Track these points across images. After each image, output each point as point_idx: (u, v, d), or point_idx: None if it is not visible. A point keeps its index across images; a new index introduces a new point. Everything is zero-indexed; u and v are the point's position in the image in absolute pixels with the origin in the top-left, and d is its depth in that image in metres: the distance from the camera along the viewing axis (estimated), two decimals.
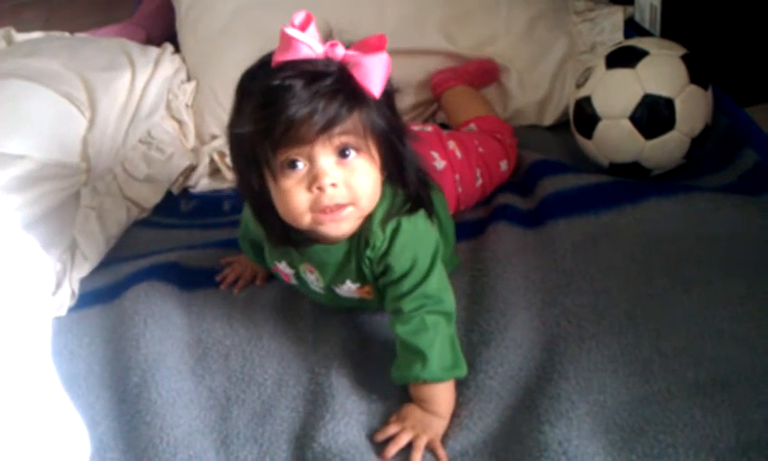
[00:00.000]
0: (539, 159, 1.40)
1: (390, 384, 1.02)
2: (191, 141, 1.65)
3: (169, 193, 1.57)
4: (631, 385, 0.96)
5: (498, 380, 1.01)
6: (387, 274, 0.99)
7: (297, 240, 1.00)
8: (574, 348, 1.02)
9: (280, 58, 0.88)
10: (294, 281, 1.10)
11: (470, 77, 1.62)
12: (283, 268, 1.08)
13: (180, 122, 1.65)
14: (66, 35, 1.84)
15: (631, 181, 1.31)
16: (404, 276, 0.98)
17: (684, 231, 1.17)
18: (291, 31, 0.87)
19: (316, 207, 0.91)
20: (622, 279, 1.11)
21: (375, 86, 0.89)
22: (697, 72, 1.32)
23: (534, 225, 1.25)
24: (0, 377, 1.05)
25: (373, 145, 0.92)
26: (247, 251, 1.21)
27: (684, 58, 1.32)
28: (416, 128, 1.31)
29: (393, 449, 0.95)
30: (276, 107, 0.86)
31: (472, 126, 1.45)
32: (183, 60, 1.76)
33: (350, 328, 1.12)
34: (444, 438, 0.97)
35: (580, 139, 1.41)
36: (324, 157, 0.89)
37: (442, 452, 0.95)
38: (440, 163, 1.24)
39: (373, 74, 0.88)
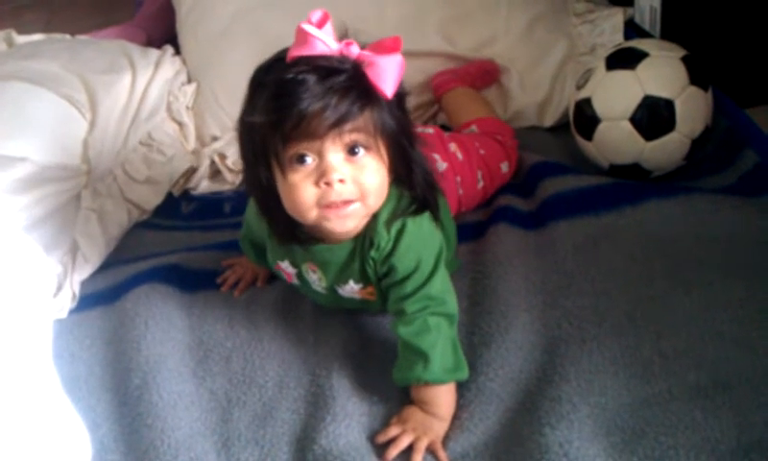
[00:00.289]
0: (539, 161, 1.40)
1: (391, 386, 1.02)
2: (192, 143, 1.65)
3: (170, 195, 1.57)
4: (632, 387, 0.96)
5: (499, 382, 1.01)
6: (390, 275, 0.99)
7: (301, 237, 1.00)
8: (575, 349, 1.02)
9: (295, 53, 0.89)
10: (296, 281, 1.10)
11: (471, 78, 1.62)
12: (286, 267, 1.08)
13: (180, 124, 1.65)
14: (67, 37, 1.84)
15: (631, 183, 1.31)
16: (408, 277, 0.98)
17: (684, 233, 1.17)
18: (307, 27, 0.88)
19: (322, 203, 0.91)
20: (623, 281, 1.11)
21: (388, 87, 0.89)
22: (697, 73, 1.32)
23: (535, 226, 1.26)
24: (1, 380, 1.05)
25: (383, 145, 0.92)
26: (248, 252, 1.21)
27: (684, 59, 1.33)
28: (417, 129, 1.31)
29: (393, 452, 0.95)
30: (289, 99, 0.86)
31: (473, 128, 1.45)
32: (184, 62, 1.77)
33: (351, 330, 1.13)
34: (445, 440, 0.97)
35: (580, 141, 1.41)
36: (334, 152, 0.89)
37: (443, 454, 0.95)
38: (441, 165, 1.25)
39: (387, 74, 0.88)
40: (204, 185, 1.60)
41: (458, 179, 1.28)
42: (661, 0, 1.59)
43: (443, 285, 1.00)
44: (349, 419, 0.99)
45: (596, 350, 1.02)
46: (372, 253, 0.99)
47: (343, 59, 0.89)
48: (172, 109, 1.65)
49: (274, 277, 1.20)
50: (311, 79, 0.86)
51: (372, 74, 0.88)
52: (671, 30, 1.58)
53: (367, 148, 0.91)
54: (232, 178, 1.59)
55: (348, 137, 0.89)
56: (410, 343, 0.97)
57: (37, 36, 1.82)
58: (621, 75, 1.33)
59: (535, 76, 1.65)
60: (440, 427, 0.97)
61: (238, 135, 0.97)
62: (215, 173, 1.62)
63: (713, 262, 1.11)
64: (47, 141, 1.37)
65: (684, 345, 1.00)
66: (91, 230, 1.36)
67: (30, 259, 1.24)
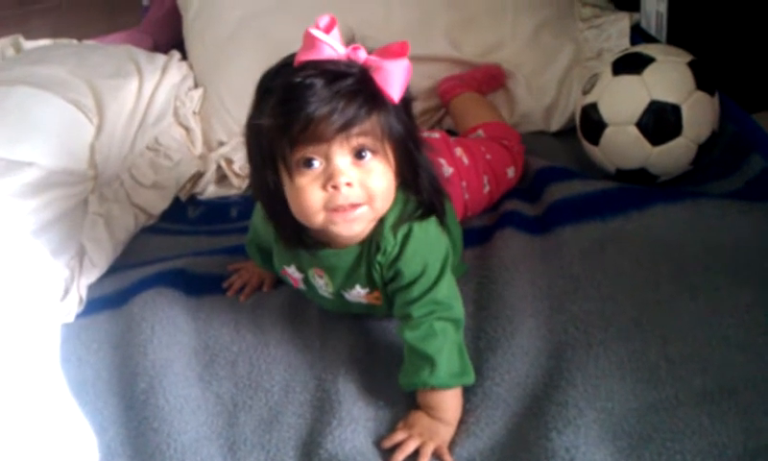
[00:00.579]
0: (545, 166, 1.40)
1: (397, 391, 1.02)
2: (198, 148, 1.65)
3: (176, 200, 1.58)
4: (638, 392, 0.96)
5: (505, 387, 1.01)
6: (397, 279, 0.99)
7: (308, 242, 1.00)
8: (582, 354, 1.02)
9: (303, 57, 0.89)
10: (302, 286, 1.10)
11: (478, 83, 1.62)
12: (292, 272, 1.09)
13: (187, 129, 1.66)
14: (74, 42, 1.85)
15: (637, 188, 1.30)
16: (414, 281, 0.98)
17: (690, 238, 1.17)
18: (315, 32, 0.88)
19: (330, 206, 0.91)
20: (629, 286, 1.11)
21: (395, 91, 0.89)
22: (704, 78, 1.32)
23: (541, 231, 1.25)
24: (9, 384, 1.06)
25: (390, 149, 0.93)
26: (254, 256, 1.22)
27: (690, 64, 1.32)
28: (423, 134, 1.31)
29: (399, 457, 0.95)
30: (297, 103, 0.86)
31: (480, 132, 1.45)
32: (191, 67, 1.77)
33: (357, 335, 1.13)
34: (451, 445, 0.97)
35: (587, 146, 1.41)
36: (341, 156, 0.89)
37: (449, 459, 0.94)
38: (447, 170, 1.25)
39: (394, 78, 0.89)
40: (210, 190, 1.60)
41: (464, 183, 1.28)
42: (668, 5, 1.59)
43: (449, 290, 1.00)
44: (355, 423, 0.99)
45: (603, 354, 1.01)
46: (379, 257, 0.99)
47: (350, 63, 0.89)
48: (179, 114, 1.66)
49: (280, 281, 1.20)
50: (319, 83, 0.86)
51: (379, 78, 0.89)
52: (677, 35, 1.58)
53: (374, 152, 0.91)
54: (239, 182, 1.59)
55: (356, 141, 0.89)
56: (416, 348, 0.97)
57: (44, 42, 1.83)
58: (628, 80, 1.33)
59: (541, 81, 1.66)
60: (446, 432, 0.97)
61: (245, 139, 0.97)
62: (222, 178, 1.63)
63: (720, 267, 1.11)
64: (54, 146, 1.37)
65: (690, 350, 1.00)
66: (98, 234, 1.36)
67: (37, 264, 1.24)
